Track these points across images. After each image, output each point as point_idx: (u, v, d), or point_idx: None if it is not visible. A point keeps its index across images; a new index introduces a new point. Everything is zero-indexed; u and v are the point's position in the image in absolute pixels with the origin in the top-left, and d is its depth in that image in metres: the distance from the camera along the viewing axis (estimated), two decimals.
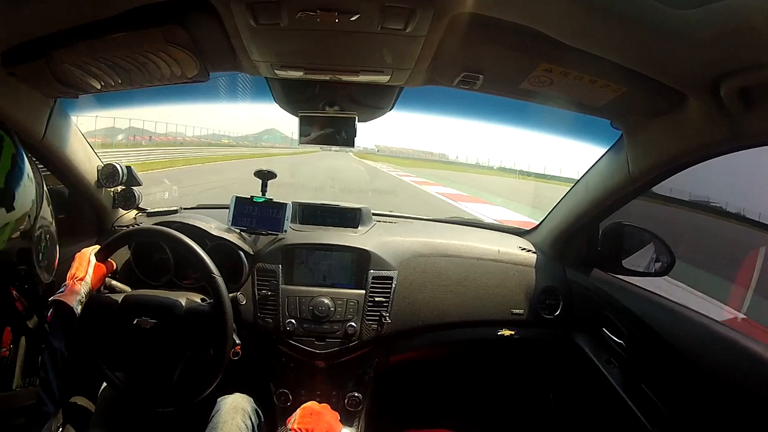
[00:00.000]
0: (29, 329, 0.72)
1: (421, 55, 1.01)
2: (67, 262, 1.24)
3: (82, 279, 1.16)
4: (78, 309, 1.11)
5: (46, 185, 0.76)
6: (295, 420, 1.04)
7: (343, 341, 1.47)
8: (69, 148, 1.38)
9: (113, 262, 1.31)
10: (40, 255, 0.71)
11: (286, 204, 1.57)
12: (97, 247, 1.26)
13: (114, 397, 1.33)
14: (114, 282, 1.31)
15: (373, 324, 1.48)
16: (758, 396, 0.98)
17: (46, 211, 0.75)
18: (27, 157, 0.71)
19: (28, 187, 0.69)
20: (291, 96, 1.39)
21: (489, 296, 1.60)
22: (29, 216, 0.68)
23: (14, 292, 0.67)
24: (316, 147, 1.45)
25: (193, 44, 0.99)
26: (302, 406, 1.10)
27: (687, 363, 1.15)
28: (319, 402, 1.52)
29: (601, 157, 1.45)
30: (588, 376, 1.52)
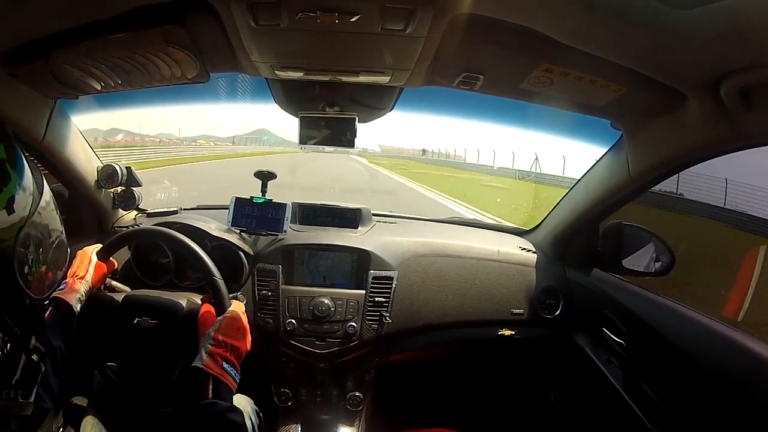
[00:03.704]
0: (26, 339, 0.71)
1: (421, 55, 1.01)
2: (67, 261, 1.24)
3: (82, 277, 1.16)
4: (77, 307, 1.11)
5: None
6: (221, 329, 1.00)
7: (343, 341, 1.47)
8: (69, 149, 1.38)
9: (115, 262, 1.31)
10: (30, 262, 0.69)
11: (285, 204, 1.57)
12: (99, 245, 1.26)
13: (113, 397, 1.33)
14: (114, 282, 1.31)
15: (373, 324, 1.48)
16: (758, 395, 0.98)
17: (51, 217, 0.74)
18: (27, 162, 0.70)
19: (26, 192, 0.68)
20: (291, 97, 1.39)
21: (489, 296, 1.60)
22: (24, 219, 0.67)
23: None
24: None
25: (193, 45, 0.99)
26: (230, 314, 1.06)
27: (687, 362, 1.15)
28: (320, 402, 1.53)
29: (601, 157, 1.45)
30: (588, 376, 1.52)
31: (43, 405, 0.91)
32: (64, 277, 1.16)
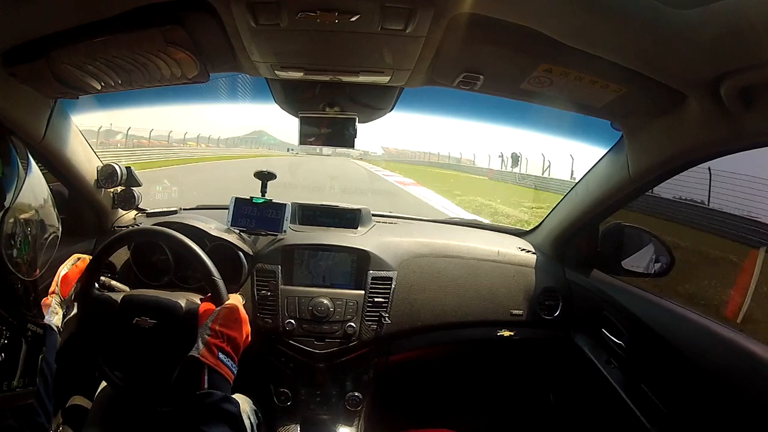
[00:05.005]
0: (22, 326, 0.71)
1: (422, 55, 1.01)
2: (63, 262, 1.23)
3: (53, 292, 1.15)
4: (53, 320, 1.10)
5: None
6: (218, 320, 0.99)
7: (342, 341, 1.47)
8: (69, 149, 1.38)
9: (84, 260, 1.25)
10: (18, 245, 0.68)
11: (285, 204, 1.57)
12: (76, 257, 1.24)
13: (112, 397, 1.33)
14: (113, 282, 1.31)
15: (372, 324, 1.48)
16: (758, 396, 0.98)
17: (47, 211, 0.74)
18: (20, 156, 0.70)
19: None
20: (291, 96, 1.39)
21: (488, 297, 1.60)
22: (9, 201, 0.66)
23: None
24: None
25: (193, 45, 0.99)
26: (228, 306, 1.06)
27: (686, 363, 1.15)
28: (319, 402, 1.53)
29: (602, 157, 1.45)
30: (587, 376, 1.52)
31: (38, 419, 0.90)
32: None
